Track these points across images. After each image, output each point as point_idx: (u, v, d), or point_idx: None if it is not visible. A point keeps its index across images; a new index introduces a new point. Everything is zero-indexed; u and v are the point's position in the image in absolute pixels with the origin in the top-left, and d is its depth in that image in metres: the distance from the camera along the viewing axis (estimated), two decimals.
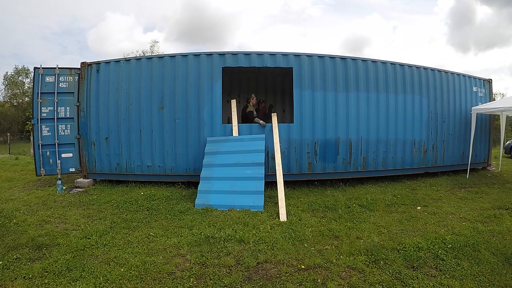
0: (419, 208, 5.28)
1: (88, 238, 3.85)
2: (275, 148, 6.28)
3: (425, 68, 7.85)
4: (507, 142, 14.01)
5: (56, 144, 6.86)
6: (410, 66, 7.62)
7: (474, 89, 8.79)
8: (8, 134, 21.22)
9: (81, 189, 6.53)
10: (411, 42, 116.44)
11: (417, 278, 2.94)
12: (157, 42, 56.97)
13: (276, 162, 6.07)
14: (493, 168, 9.24)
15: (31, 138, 10.00)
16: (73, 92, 6.97)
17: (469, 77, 8.76)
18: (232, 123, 6.75)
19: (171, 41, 64.65)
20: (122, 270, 3.07)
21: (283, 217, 4.74)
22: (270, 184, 6.57)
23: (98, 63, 6.97)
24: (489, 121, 9.18)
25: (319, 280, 2.92)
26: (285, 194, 6.20)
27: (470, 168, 8.16)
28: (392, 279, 2.93)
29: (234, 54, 6.78)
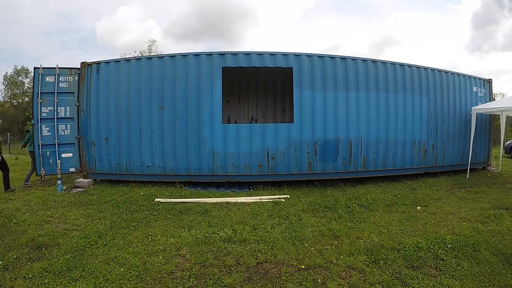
0: (419, 208, 5.27)
1: (88, 238, 3.86)
2: None
3: (425, 68, 7.85)
4: (507, 142, 14.00)
5: (56, 144, 6.87)
6: (410, 66, 7.62)
7: (474, 89, 8.79)
8: (8, 134, 21.22)
9: (81, 189, 6.53)
10: (425, 41, 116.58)
11: (417, 278, 2.94)
12: (155, 41, 56.75)
13: None
14: (493, 168, 9.24)
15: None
16: (73, 92, 6.97)
17: (469, 77, 8.76)
18: None
19: (178, 39, 64.59)
20: (122, 270, 3.07)
21: None
22: (271, 184, 6.58)
23: (98, 63, 6.97)
24: (489, 121, 9.18)
25: (319, 280, 2.92)
26: (285, 194, 6.22)
27: (470, 168, 8.16)
28: (392, 279, 2.93)
29: (234, 54, 6.78)
